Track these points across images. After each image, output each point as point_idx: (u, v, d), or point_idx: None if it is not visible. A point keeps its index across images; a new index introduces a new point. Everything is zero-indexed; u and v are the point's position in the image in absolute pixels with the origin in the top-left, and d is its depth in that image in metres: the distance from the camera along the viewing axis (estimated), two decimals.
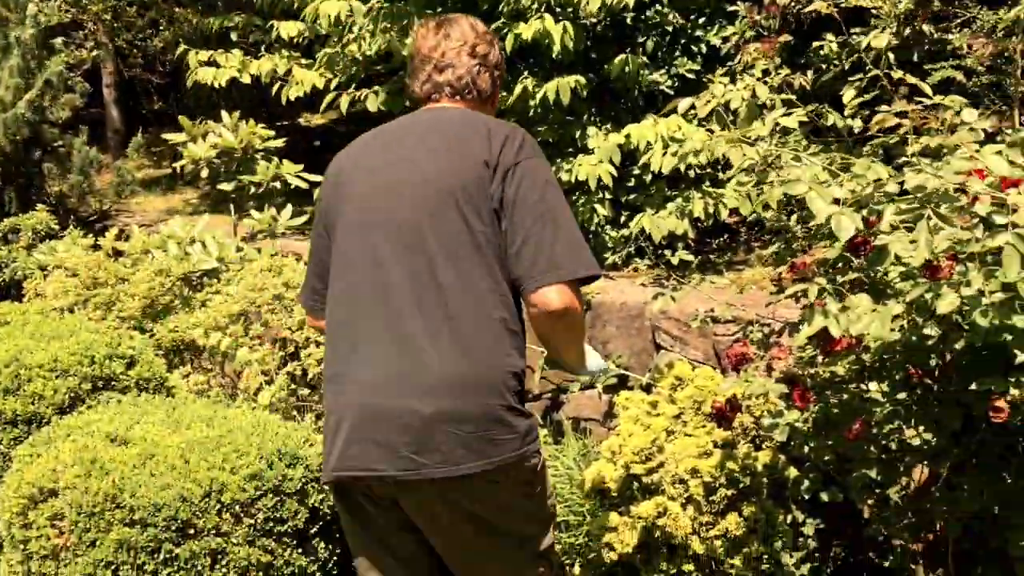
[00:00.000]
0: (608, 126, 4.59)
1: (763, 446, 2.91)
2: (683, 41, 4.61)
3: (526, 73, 4.53)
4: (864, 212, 2.13)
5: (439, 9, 4.71)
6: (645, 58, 4.54)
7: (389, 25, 4.45)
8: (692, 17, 4.61)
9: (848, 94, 2.78)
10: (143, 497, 2.27)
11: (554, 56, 4.37)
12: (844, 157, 2.26)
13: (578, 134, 4.54)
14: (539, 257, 1.88)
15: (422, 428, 1.85)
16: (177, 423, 2.58)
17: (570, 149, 4.60)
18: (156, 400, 2.77)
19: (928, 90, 2.46)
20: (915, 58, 3.99)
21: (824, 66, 4.49)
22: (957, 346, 2.08)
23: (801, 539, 3.01)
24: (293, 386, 3.45)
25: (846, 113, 2.79)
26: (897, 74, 2.71)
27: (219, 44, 5.98)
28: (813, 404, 2.42)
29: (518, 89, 4.40)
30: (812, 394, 2.44)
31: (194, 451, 2.41)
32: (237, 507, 2.35)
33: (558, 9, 4.46)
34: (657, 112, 4.48)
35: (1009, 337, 1.95)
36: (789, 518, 3.01)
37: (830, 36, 2.94)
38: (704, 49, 4.60)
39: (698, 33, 4.60)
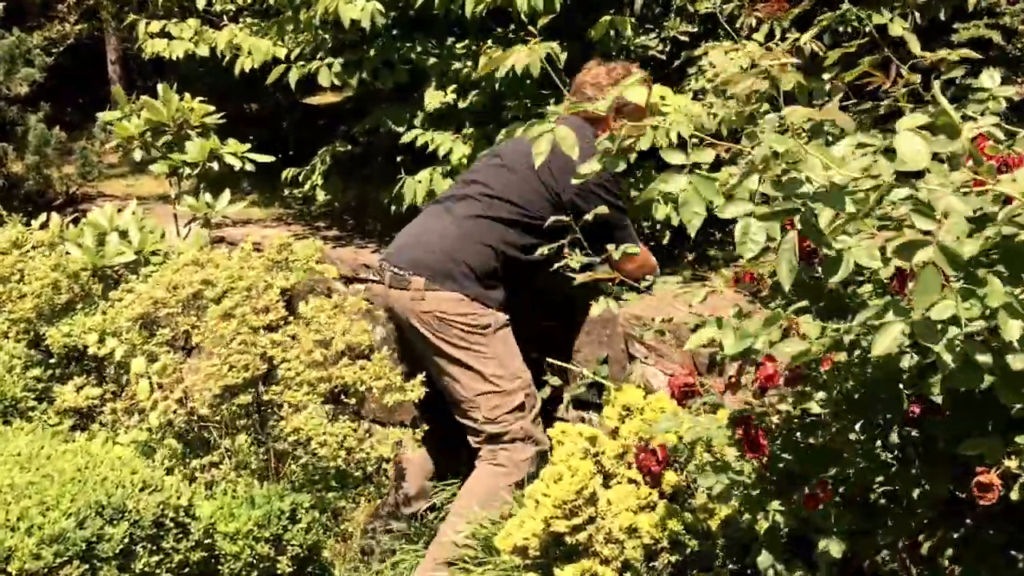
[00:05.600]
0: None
1: None
2: (678, 2, 4.02)
3: (490, 42, 3.97)
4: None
5: None
6: (633, 19, 3.96)
7: None
8: None
9: (832, 57, 2.19)
10: None
11: (523, 19, 3.80)
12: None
13: (552, 108, 3.97)
14: None
15: None
16: None
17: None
18: None
19: (916, 45, 1.88)
20: (942, 16, 3.36)
21: (841, 28, 3.88)
22: (935, 388, 1.51)
23: None
24: (192, 404, 2.97)
25: (825, 76, 2.19)
26: (895, 27, 2.11)
27: (190, 14, 5.50)
28: (766, 455, 1.86)
29: (483, 61, 3.85)
30: (767, 442, 1.88)
31: None
32: None
33: None
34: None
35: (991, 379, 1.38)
36: None
37: None
38: (702, 9, 4.00)
39: None
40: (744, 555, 2.25)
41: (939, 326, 1.41)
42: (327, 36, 4.44)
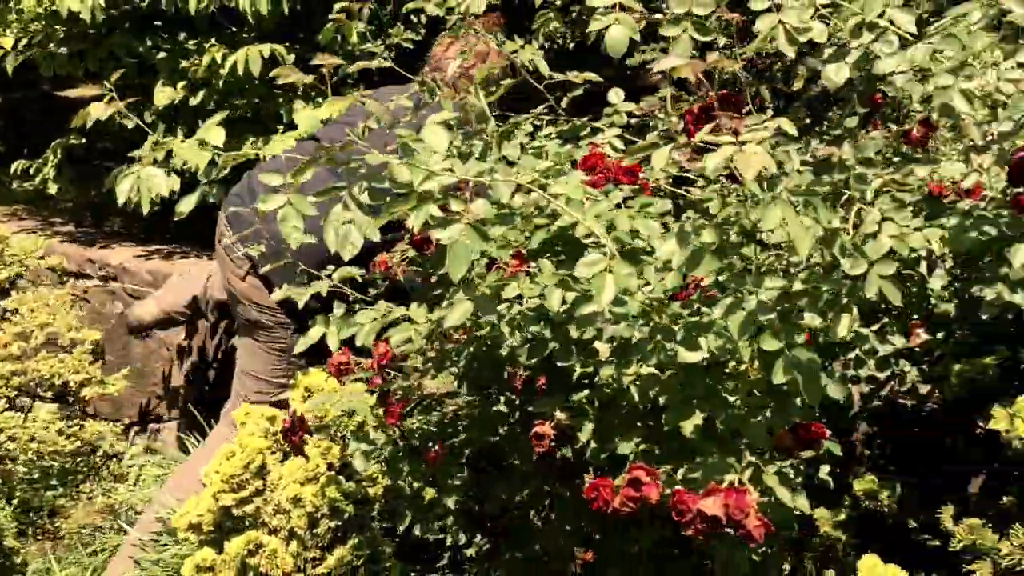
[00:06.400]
0: (322, 99, 4.17)
1: None
2: (403, 9, 4.22)
3: (214, 40, 4.04)
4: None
5: None
6: (360, 26, 4.13)
7: None
8: None
9: (480, 74, 2.43)
10: None
11: (250, 21, 3.90)
12: None
13: (284, 109, 4.09)
14: None
15: None
16: None
17: (278, 126, 4.15)
18: None
19: (544, 68, 2.13)
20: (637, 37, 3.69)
21: (548, 44, 4.19)
22: (523, 359, 1.75)
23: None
24: None
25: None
26: (525, 53, 2.38)
27: None
28: (401, 424, 2.07)
29: (206, 60, 3.91)
30: (406, 412, 2.10)
31: None
32: None
33: None
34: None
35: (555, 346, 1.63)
36: (449, 539, 2.69)
37: None
38: (424, 20, 4.22)
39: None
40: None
41: (505, 305, 1.67)
42: (59, 28, 4.37)
